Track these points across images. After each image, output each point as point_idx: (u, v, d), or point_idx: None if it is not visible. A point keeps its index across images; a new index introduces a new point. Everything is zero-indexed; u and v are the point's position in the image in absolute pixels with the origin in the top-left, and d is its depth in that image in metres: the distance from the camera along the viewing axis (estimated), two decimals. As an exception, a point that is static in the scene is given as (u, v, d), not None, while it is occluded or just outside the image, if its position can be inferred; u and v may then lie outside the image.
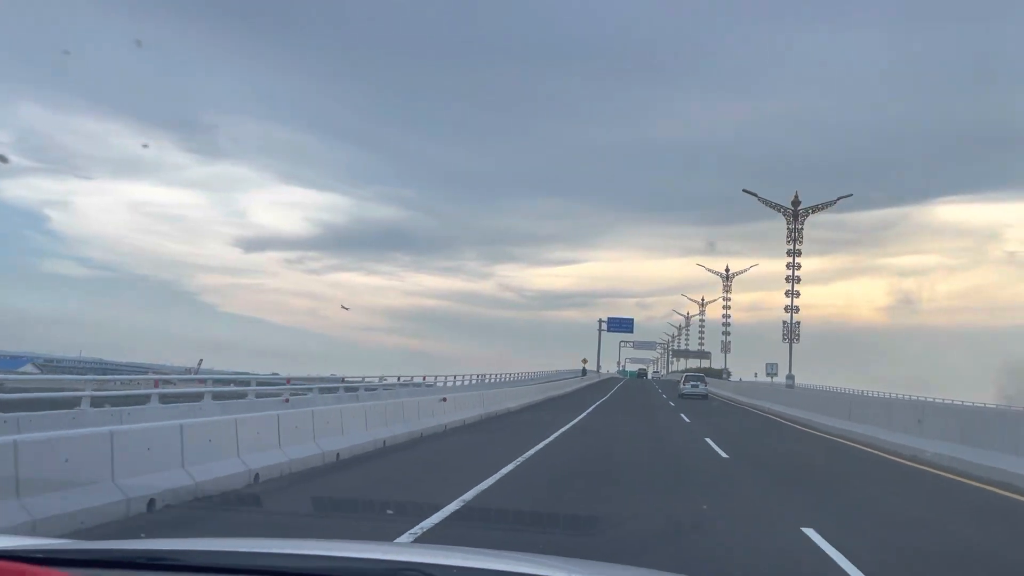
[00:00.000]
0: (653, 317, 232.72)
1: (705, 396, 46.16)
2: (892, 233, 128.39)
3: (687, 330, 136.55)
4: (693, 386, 46.10)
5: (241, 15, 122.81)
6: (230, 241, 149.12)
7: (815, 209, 46.82)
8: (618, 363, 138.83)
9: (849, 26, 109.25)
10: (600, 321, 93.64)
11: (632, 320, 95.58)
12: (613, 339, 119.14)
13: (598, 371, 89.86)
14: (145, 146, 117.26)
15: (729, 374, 74.14)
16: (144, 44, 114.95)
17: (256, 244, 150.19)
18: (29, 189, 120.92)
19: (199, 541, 2.30)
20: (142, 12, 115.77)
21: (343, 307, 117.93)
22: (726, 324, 78.13)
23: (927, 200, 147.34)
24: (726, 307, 77.86)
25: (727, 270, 78.67)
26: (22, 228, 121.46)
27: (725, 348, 76.37)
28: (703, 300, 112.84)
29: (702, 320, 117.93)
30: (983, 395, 49.16)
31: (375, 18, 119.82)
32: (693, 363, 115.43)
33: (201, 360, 16.97)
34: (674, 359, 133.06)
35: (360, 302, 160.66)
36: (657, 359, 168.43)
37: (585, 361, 79.87)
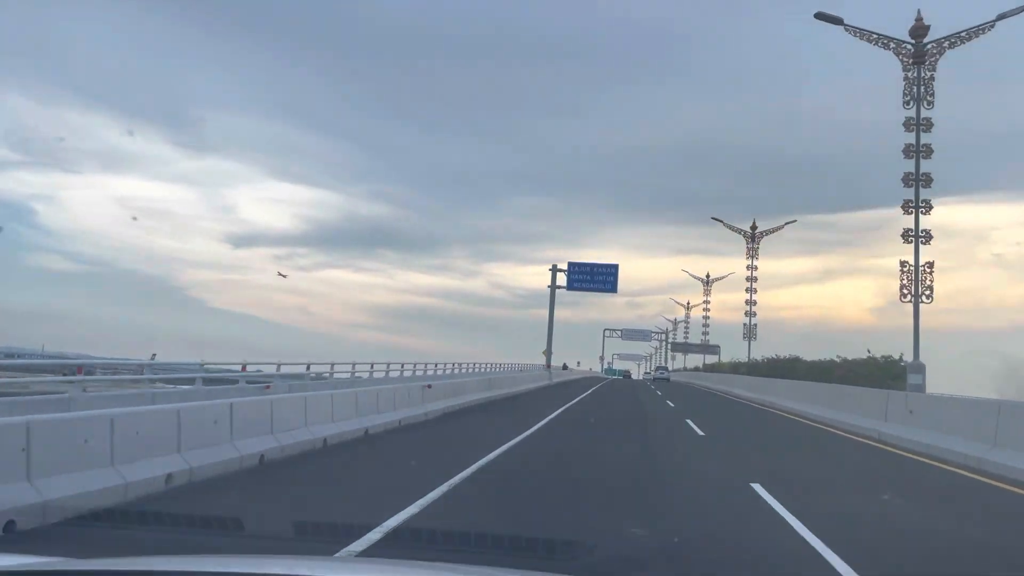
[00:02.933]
0: (644, 316, 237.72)
1: (667, 380, 77.00)
2: (881, 234, 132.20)
3: (686, 323, 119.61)
4: (660, 372, 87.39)
5: (232, 8, 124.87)
6: (219, 237, 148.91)
7: (766, 233, 56.90)
8: (601, 358, 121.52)
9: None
10: (554, 270, 55.43)
11: (615, 269, 54.65)
12: (597, 328, 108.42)
13: (549, 369, 54.75)
14: (131, 133, 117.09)
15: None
16: (132, 36, 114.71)
17: (245, 240, 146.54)
18: (15, 182, 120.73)
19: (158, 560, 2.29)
20: (131, 5, 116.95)
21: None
22: (706, 324, 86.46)
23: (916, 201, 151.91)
24: (706, 309, 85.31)
25: (707, 276, 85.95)
26: (8, 221, 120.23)
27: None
28: (708, 277, 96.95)
29: (707, 308, 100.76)
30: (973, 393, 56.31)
31: (368, 14, 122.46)
32: (696, 358, 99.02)
33: (155, 354, 19.05)
34: (674, 354, 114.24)
35: (348, 299, 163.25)
36: (651, 355, 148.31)
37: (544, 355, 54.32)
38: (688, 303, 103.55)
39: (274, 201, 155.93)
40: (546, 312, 57.78)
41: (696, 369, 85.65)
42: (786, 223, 58.15)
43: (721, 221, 58.61)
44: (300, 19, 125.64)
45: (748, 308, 56.81)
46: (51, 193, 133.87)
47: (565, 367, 69.95)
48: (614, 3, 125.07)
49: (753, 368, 48.25)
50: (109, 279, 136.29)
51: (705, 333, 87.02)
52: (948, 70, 28.77)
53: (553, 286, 55.81)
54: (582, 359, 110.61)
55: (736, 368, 55.79)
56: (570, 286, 54.36)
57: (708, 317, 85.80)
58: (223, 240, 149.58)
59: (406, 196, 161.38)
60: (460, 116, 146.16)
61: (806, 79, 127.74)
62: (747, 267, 57.55)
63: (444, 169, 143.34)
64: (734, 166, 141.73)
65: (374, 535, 6.67)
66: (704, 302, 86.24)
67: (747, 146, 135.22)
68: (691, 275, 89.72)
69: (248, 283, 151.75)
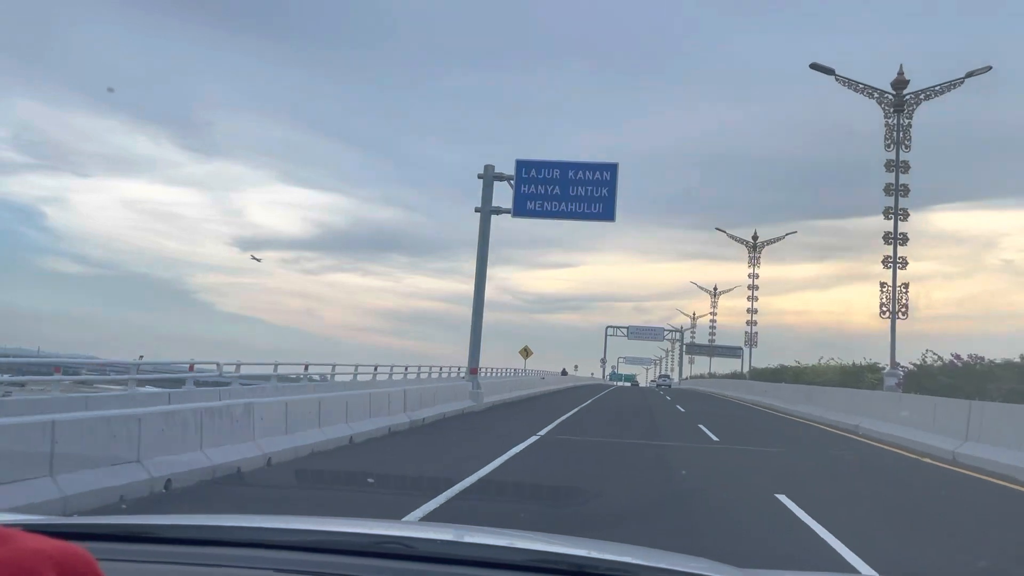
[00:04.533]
0: (650, 321, 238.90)
1: (669, 387, 75.32)
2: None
3: (693, 331, 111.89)
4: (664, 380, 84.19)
5: (241, 11, 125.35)
6: (228, 240, 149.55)
7: (768, 242, 59.90)
8: (603, 361, 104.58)
9: (848, 29, 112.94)
10: (488, 176, 28.24)
11: (613, 174, 27.87)
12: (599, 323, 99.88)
13: (476, 377, 28.29)
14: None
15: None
16: (143, 39, 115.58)
17: (253, 244, 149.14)
18: (26, 185, 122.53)
19: (174, 517, 2.25)
20: (140, 7, 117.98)
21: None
22: (712, 333, 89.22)
23: (925, 207, 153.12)
24: (712, 319, 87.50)
25: (715, 288, 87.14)
26: (19, 225, 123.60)
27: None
28: (715, 289, 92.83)
29: (713, 319, 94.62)
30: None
31: (376, 18, 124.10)
32: (718, 363, 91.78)
33: (142, 356, 20.00)
34: (690, 358, 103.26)
35: (356, 302, 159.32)
36: (661, 359, 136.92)
37: (525, 352, 46.20)
38: (694, 314, 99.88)
39: (283, 205, 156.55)
40: (553, 317, 53.44)
41: (712, 376, 78.88)
42: (787, 234, 61.02)
43: (724, 231, 61.57)
44: (309, 22, 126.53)
45: (749, 316, 59.88)
46: (60, 196, 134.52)
47: (564, 372, 66.84)
48: (622, 6, 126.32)
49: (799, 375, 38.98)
50: (118, 282, 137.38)
51: (712, 339, 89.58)
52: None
53: (486, 206, 28.09)
54: (580, 364, 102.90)
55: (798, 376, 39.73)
56: (520, 208, 27.90)
57: (715, 325, 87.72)
58: (231, 243, 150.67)
59: (414, 200, 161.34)
60: (467, 118, 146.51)
61: (812, 86, 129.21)
62: (748, 275, 60.56)
63: (451, 172, 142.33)
64: (741, 170, 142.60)
65: None
66: (711, 313, 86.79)
67: (754, 150, 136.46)
68: (699, 286, 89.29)
69: (256, 286, 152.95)
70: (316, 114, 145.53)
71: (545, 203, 27.95)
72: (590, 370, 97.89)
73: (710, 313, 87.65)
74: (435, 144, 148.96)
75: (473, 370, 27.58)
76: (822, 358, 37.93)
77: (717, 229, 62.27)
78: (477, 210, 28.38)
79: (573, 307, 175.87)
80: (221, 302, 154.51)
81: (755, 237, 60.32)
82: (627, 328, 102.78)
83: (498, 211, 28.26)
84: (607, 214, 27.85)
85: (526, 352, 47.97)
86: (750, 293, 60.30)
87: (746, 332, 61.64)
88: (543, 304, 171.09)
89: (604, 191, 27.77)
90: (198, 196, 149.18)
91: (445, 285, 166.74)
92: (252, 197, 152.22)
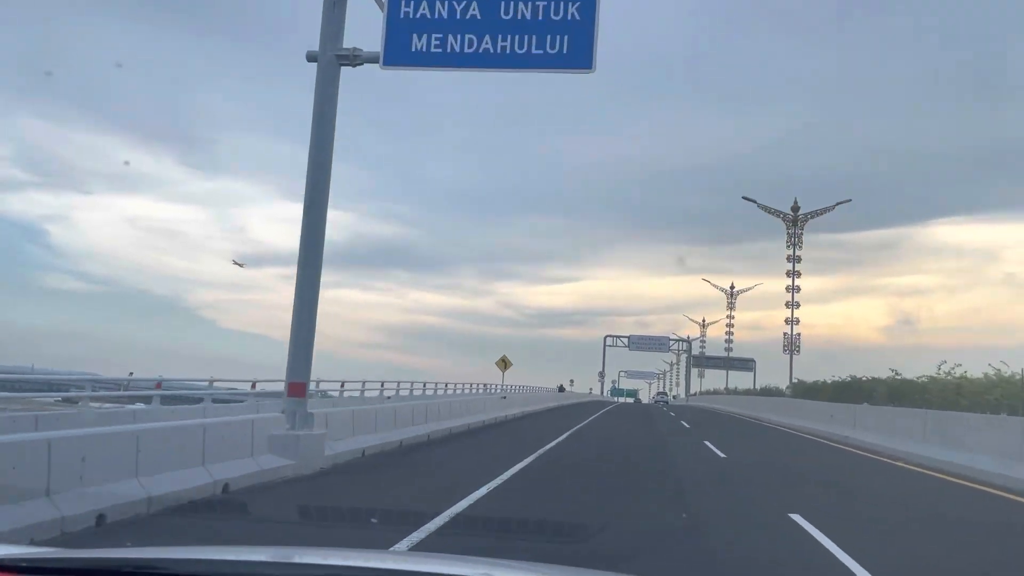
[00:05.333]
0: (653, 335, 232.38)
1: (667, 403, 70.89)
2: (892, 253, 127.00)
3: (702, 342, 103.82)
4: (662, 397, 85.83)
5: (241, 28, 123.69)
6: (229, 256, 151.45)
7: (813, 215, 44.88)
8: (601, 375, 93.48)
9: (847, 45, 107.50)
10: None
11: (591, 7, 12.41)
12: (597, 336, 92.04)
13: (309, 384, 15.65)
14: (126, 163, 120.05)
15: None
16: (143, 57, 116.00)
17: (255, 260, 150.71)
18: (29, 203, 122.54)
19: (179, 549, 2.32)
20: (141, 24, 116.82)
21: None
22: (728, 342, 76.02)
23: (926, 220, 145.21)
24: (729, 325, 75.02)
25: (732, 287, 75.61)
26: (21, 242, 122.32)
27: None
28: (732, 288, 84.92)
29: (730, 324, 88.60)
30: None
31: (377, 34, 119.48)
32: (717, 378, 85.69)
33: (132, 373, 16.59)
34: (699, 371, 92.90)
35: (358, 318, 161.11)
36: (666, 372, 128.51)
37: (503, 364, 41.38)
38: (704, 320, 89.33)
39: (284, 221, 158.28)
40: (555, 332, 45.86)
41: (731, 392, 64.83)
42: (837, 203, 45.89)
43: (754, 201, 46.66)
44: (310, 38, 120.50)
45: (790, 314, 44.70)
46: (63, 214, 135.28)
47: (562, 389, 60.65)
48: (625, 22, 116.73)
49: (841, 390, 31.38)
50: (120, 299, 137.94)
51: (728, 351, 75.53)
52: None
53: (328, 47, 13.30)
54: (581, 378, 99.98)
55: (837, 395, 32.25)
56: (396, 50, 13.04)
57: (732, 333, 74.33)
58: (233, 260, 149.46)
59: (416, 215, 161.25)
60: (468, 135, 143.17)
61: (815, 100, 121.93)
62: (788, 258, 45.67)
63: (453, 188, 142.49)
64: (742, 184, 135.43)
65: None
66: (728, 316, 75.30)
67: (755, 164, 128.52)
68: (714, 285, 77.49)
69: (257, 302, 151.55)
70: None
71: (450, 38, 12.85)
72: (588, 385, 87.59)
73: (727, 316, 74.73)
74: (437, 159, 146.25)
75: (295, 387, 12.69)
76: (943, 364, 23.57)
77: (745, 198, 47.00)
78: (312, 58, 13.56)
79: (576, 321, 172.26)
80: (223, 319, 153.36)
81: (795, 208, 45.33)
82: (628, 338, 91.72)
83: (354, 58, 13.53)
84: (577, 57, 12.57)
85: (504, 363, 42.42)
86: (791, 282, 45.36)
87: (785, 335, 46.70)
88: (545, 318, 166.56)
89: (572, 10, 12.61)
90: (200, 213, 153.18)
91: (447, 300, 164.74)
92: (254, 213, 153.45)
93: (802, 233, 44.90)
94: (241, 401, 19.86)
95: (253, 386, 22.46)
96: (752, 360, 72.37)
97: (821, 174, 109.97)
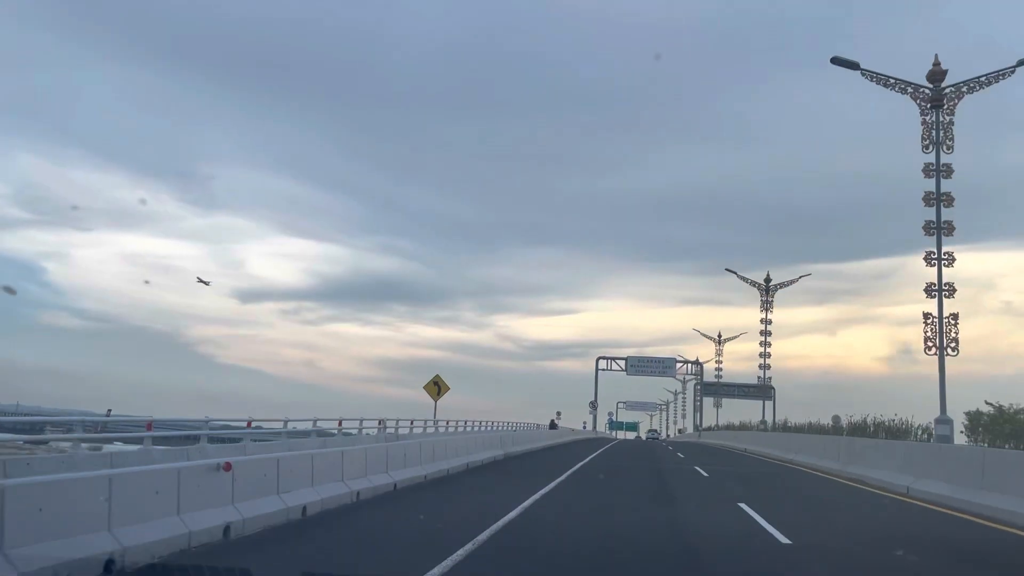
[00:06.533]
0: (655, 356, 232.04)
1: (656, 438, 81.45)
2: (890, 283, 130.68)
3: (718, 364, 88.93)
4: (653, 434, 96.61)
5: (240, 66, 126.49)
6: (227, 292, 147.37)
7: (781, 286, 55.41)
8: (592, 404, 77.46)
9: (845, 77, 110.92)
10: None
11: None
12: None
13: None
14: (143, 201, 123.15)
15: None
16: (142, 95, 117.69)
17: (253, 295, 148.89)
18: (26, 241, 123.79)
19: None
20: (139, 64, 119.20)
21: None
22: (718, 377, 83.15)
23: (923, 250, 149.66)
24: (718, 368, 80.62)
25: (719, 335, 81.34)
26: (19, 280, 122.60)
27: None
28: (720, 337, 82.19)
29: (719, 367, 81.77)
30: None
31: (375, 69, 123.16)
32: (736, 409, 73.43)
33: (110, 410, 17.83)
34: (716, 402, 77.48)
35: (356, 352, 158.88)
36: (670, 403, 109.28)
37: (436, 389, 29.58)
38: (697, 359, 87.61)
39: (282, 256, 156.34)
40: (554, 364, 50.18)
41: (743, 428, 55.43)
42: (801, 276, 56.78)
43: (735, 273, 57.06)
44: (308, 76, 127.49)
45: (763, 361, 54.79)
46: (61, 251, 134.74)
47: (554, 425, 53.86)
48: (622, 54, 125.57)
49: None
50: (118, 336, 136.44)
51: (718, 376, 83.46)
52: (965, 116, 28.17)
53: None
54: (575, 411, 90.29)
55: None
56: None
57: (720, 371, 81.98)
58: (231, 295, 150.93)
59: (414, 249, 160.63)
60: (465, 169, 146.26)
61: (816, 132, 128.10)
62: (761, 320, 55.74)
63: (451, 222, 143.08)
64: (742, 216, 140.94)
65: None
66: (716, 360, 79.68)
67: (755, 196, 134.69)
68: (702, 334, 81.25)
69: (256, 338, 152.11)
70: (316, 165, 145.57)
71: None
72: (582, 419, 75.22)
73: (715, 360, 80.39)
74: (434, 193, 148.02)
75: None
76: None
77: (727, 270, 57.62)
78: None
79: (575, 353, 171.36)
80: (221, 354, 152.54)
81: (767, 280, 55.65)
82: (626, 360, 77.62)
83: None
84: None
85: (437, 388, 29.30)
86: (763, 339, 55.48)
87: (759, 377, 56.28)
88: (544, 351, 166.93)
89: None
90: (198, 249, 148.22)
91: (446, 333, 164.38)
92: (252, 249, 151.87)
93: (773, 300, 54.99)
94: (238, 440, 17.57)
95: (248, 424, 20.03)
96: (770, 387, 60.57)
97: (816, 203, 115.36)
